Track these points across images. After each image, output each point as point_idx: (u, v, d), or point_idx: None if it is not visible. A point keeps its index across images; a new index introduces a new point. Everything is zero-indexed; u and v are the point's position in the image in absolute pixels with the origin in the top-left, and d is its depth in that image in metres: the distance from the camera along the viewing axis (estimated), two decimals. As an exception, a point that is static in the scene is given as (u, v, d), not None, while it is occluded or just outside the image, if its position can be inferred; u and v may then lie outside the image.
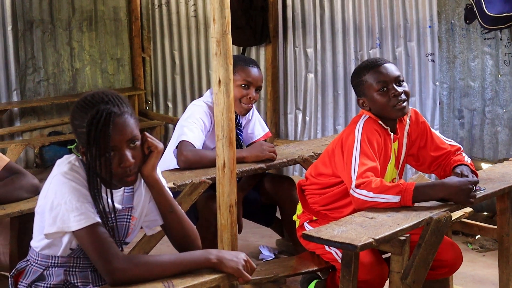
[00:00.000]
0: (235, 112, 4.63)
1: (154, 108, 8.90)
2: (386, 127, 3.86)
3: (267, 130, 4.90)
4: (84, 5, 8.62)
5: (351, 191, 3.61)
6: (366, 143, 3.71)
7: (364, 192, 3.56)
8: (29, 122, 8.39)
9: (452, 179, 3.65)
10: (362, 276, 3.57)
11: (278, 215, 5.09)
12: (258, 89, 4.59)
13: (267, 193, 4.83)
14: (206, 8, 8.08)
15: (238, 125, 4.71)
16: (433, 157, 4.03)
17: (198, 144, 4.46)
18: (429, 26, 6.32)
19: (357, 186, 3.58)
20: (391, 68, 3.87)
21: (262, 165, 4.46)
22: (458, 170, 3.85)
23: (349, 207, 3.87)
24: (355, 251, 3.24)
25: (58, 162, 2.91)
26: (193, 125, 4.48)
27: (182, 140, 4.37)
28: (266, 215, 5.05)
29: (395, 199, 3.53)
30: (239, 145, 4.70)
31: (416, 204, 3.55)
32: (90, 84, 8.79)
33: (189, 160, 4.38)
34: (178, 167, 4.40)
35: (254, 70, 4.56)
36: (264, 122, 4.95)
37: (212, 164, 4.37)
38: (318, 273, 4.30)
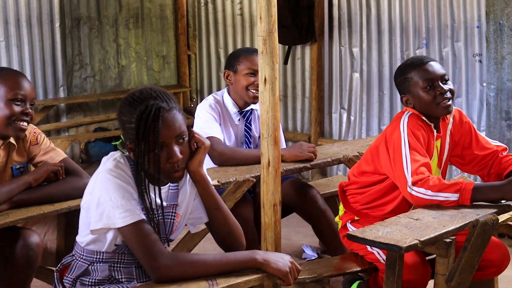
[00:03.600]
0: (243, 108, 4.64)
1: (199, 105, 8.92)
2: (430, 123, 3.84)
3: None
4: (130, 2, 8.67)
5: (408, 189, 3.60)
6: (413, 138, 3.70)
7: (422, 190, 3.56)
8: (75, 118, 8.47)
9: None
10: (405, 276, 3.54)
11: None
12: None
13: (287, 199, 4.58)
14: (252, 6, 8.08)
15: (247, 122, 4.70)
16: (479, 156, 4.00)
17: (222, 138, 4.52)
18: (477, 27, 6.25)
19: (414, 184, 3.57)
20: (437, 66, 3.86)
21: (307, 164, 4.44)
22: None
23: (390, 204, 3.87)
24: (400, 253, 3.21)
25: (104, 159, 2.92)
26: (210, 122, 4.53)
27: (210, 136, 4.38)
28: None
29: (453, 197, 3.53)
30: (248, 142, 4.69)
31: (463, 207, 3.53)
32: (136, 81, 8.84)
33: (224, 155, 4.40)
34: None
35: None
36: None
37: (245, 159, 4.39)
38: (360, 274, 4.28)
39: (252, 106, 4.67)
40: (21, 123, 3.61)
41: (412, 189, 3.59)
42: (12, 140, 3.71)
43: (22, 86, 3.61)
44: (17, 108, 3.58)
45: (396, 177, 3.72)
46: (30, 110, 3.63)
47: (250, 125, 4.70)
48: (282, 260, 2.85)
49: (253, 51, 4.63)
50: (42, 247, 3.52)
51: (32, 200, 3.54)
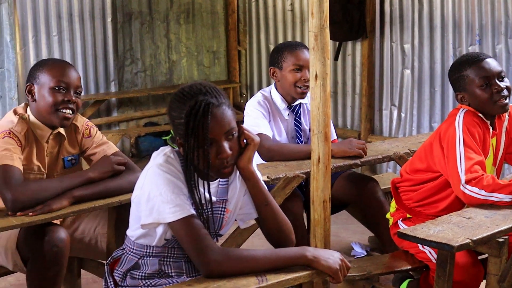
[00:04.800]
0: (291, 103, 4.62)
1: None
2: (486, 120, 3.79)
3: None
4: (182, -3, 8.74)
5: (461, 187, 3.56)
6: (468, 135, 3.66)
7: (475, 189, 3.52)
8: (126, 112, 8.53)
9: None
10: (457, 276, 3.51)
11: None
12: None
13: (344, 192, 4.67)
14: (303, 2, 8.06)
15: (297, 117, 4.68)
16: None
17: (271, 135, 4.51)
18: (532, 23, 6.17)
19: (467, 182, 3.54)
20: (493, 63, 3.80)
21: (357, 161, 4.41)
22: None
23: (443, 202, 3.83)
24: (451, 252, 3.18)
25: (154, 154, 2.94)
26: (258, 118, 4.52)
27: (258, 133, 4.37)
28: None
29: (507, 198, 3.50)
30: (299, 136, 4.67)
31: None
32: (186, 76, 8.88)
33: (272, 151, 4.40)
34: None
35: (303, 52, 4.53)
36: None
37: (293, 155, 4.37)
38: (411, 272, 4.24)
39: (301, 100, 4.65)
40: (65, 110, 3.62)
41: (465, 188, 3.55)
42: (62, 131, 3.74)
43: (65, 74, 3.63)
44: (59, 97, 3.60)
45: (449, 175, 3.68)
46: (74, 98, 3.64)
47: (300, 119, 4.68)
48: (332, 257, 2.83)
49: (296, 46, 4.60)
50: (69, 243, 3.50)
51: (94, 196, 3.55)
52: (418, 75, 7.03)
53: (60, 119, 3.62)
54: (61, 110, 3.61)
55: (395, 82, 7.27)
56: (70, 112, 3.63)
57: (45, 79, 3.61)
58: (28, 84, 3.66)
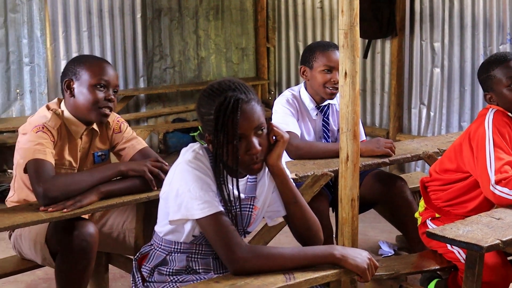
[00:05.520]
0: (320, 103, 4.60)
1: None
2: None
3: None
4: (211, -6, 8.75)
5: (490, 188, 3.54)
6: (498, 135, 3.63)
7: (505, 190, 3.50)
8: (154, 108, 8.57)
9: None
10: (486, 277, 3.48)
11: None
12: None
13: (372, 191, 4.65)
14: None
15: (325, 117, 4.66)
16: None
17: (299, 133, 4.50)
18: None
19: (497, 183, 3.51)
20: None
21: (386, 160, 4.39)
22: None
23: (473, 202, 3.81)
24: (481, 252, 3.15)
25: (183, 150, 2.94)
26: (287, 116, 4.52)
27: (286, 131, 4.36)
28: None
29: None
30: (326, 136, 4.65)
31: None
32: (215, 72, 8.89)
33: (301, 149, 4.39)
34: None
35: (334, 53, 4.51)
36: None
37: (321, 153, 4.36)
38: (439, 272, 4.22)
39: (329, 100, 4.64)
40: (104, 109, 3.64)
41: (495, 188, 3.52)
42: (95, 127, 3.75)
43: (105, 72, 3.65)
44: (100, 94, 3.62)
45: (478, 175, 3.65)
46: (112, 97, 3.66)
47: (328, 119, 4.67)
48: (360, 256, 2.82)
49: (329, 46, 4.58)
50: (97, 238, 3.51)
51: (122, 191, 3.56)
52: (448, 74, 6.99)
53: (99, 116, 3.65)
54: (101, 108, 3.62)
55: (424, 80, 7.23)
56: (109, 110, 3.65)
57: (85, 76, 3.62)
58: (67, 79, 3.66)
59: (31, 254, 3.71)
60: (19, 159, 3.55)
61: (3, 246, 5.39)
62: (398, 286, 3.89)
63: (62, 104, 3.72)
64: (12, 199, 3.76)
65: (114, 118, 3.84)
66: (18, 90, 7.58)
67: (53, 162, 3.48)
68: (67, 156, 3.68)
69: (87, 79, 3.61)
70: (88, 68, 3.63)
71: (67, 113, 3.68)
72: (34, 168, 3.41)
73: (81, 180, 3.47)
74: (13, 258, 3.96)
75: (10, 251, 4.08)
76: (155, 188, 3.58)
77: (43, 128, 3.54)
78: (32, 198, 3.53)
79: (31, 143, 3.47)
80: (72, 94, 3.65)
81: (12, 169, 3.78)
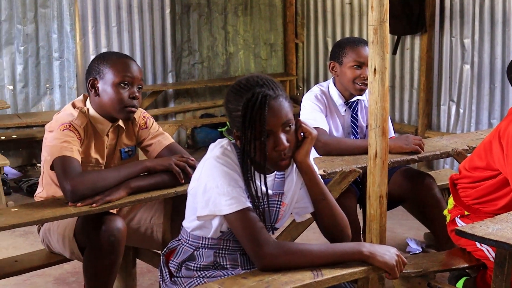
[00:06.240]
0: (349, 99, 4.58)
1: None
2: None
3: None
4: (240, -10, 8.75)
5: None
6: None
7: None
8: (182, 103, 8.59)
9: None
10: (515, 276, 3.46)
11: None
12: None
13: (400, 188, 4.62)
14: (362, -5, 8.03)
15: (353, 113, 4.64)
16: None
17: (328, 130, 4.49)
18: None
19: None
20: None
21: (414, 157, 4.37)
22: None
23: (502, 200, 3.78)
24: (510, 251, 3.12)
25: (211, 146, 2.94)
26: (315, 112, 4.50)
27: (314, 127, 4.35)
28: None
29: None
30: (355, 133, 4.63)
31: None
32: (243, 68, 8.89)
33: (329, 145, 4.38)
34: None
35: (364, 49, 4.48)
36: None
37: (350, 150, 4.34)
38: (467, 270, 4.19)
39: (358, 96, 4.62)
40: (130, 107, 3.65)
41: None
42: (121, 123, 3.76)
43: (129, 69, 3.64)
44: (125, 93, 3.61)
45: (508, 173, 3.62)
46: (137, 94, 3.66)
47: (357, 115, 4.65)
48: (388, 253, 2.81)
49: (359, 42, 4.57)
50: (125, 233, 3.52)
51: (150, 187, 3.58)
52: (477, 70, 6.94)
53: (124, 115, 3.65)
54: (126, 107, 3.63)
55: (454, 77, 7.18)
56: (134, 107, 3.66)
57: (109, 74, 3.62)
58: (91, 78, 3.67)
59: (60, 248, 3.73)
60: (46, 156, 3.57)
61: (32, 240, 5.44)
62: (426, 284, 3.87)
63: (88, 101, 3.73)
64: (40, 195, 3.78)
65: (140, 114, 3.85)
66: (47, 85, 7.64)
67: (79, 159, 3.49)
68: (94, 154, 3.69)
69: (111, 77, 3.61)
70: (112, 66, 3.63)
71: (92, 111, 3.69)
72: (61, 165, 3.42)
73: (108, 176, 3.49)
74: (41, 251, 3.99)
75: (38, 244, 4.11)
76: (183, 181, 3.59)
77: (69, 126, 3.55)
78: (60, 194, 3.55)
79: (57, 141, 3.49)
80: (97, 93, 3.66)
81: (40, 163, 3.79)
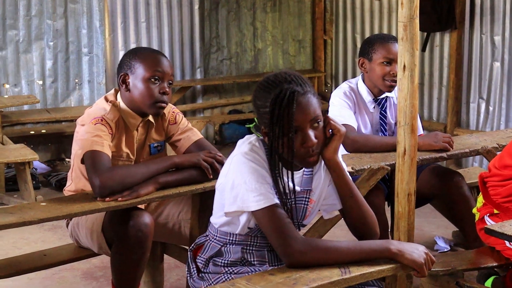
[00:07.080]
0: (377, 96, 4.56)
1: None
2: None
3: None
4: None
5: None
6: None
7: None
8: (210, 99, 8.60)
9: None
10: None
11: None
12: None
13: (429, 186, 4.59)
14: (391, -8, 8.00)
15: (382, 110, 4.62)
16: None
17: (356, 126, 4.48)
18: None
19: None
20: None
21: (443, 154, 4.35)
22: None
23: (533, 198, 3.75)
24: (540, 250, 3.10)
25: (239, 142, 2.94)
26: (343, 109, 4.50)
27: (343, 123, 4.33)
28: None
29: None
30: (383, 130, 4.61)
31: None
32: (271, 64, 8.88)
33: (357, 142, 4.37)
34: None
35: (394, 46, 4.46)
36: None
37: (378, 147, 4.33)
38: (496, 269, 4.16)
39: (387, 93, 4.60)
40: (160, 103, 3.66)
41: None
42: (151, 118, 3.77)
43: (159, 64, 3.65)
44: (155, 89, 3.62)
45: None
46: (167, 89, 3.67)
47: (385, 112, 4.63)
48: (417, 251, 2.79)
49: (388, 39, 4.55)
50: (153, 228, 3.53)
51: (179, 182, 3.59)
52: (508, 68, 6.88)
53: (154, 110, 3.67)
54: (156, 102, 3.64)
55: (483, 74, 7.13)
56: (164, 103, 3.67)
57: (140, 69, 3.63)
58: (122, 73, 3.68)
59: (88, 242, 3.75)
60: (77, 149, 3.58)
61: (60, 234, 5.47)
62: (455, 282, 3.85)
63: (118, 95, 3.74)
64: (69, 188, 3.80)
65: (170, 109, 3.85)
66: (76, 80, 7.68)
67: (110, 154, 3.51)
68: (125, 148, 3.71)
69: (142, 72, 3.62)
70: (142, 61, 3.64)
71: (123, 105, 3.70)
72: (91, 159, 3.44)
73: (137, 172, 3.50)
74: (70, 246, 4.01)
75: (67, 239, 4.14)
76: (211, 177, 3.59)
77: (101, 120, 3.57)
78: (89, 188, 3.56)
79: (89, 135, 3.50)
80: (128, 88, 3.67)
81: (69, 158, 3.82)
